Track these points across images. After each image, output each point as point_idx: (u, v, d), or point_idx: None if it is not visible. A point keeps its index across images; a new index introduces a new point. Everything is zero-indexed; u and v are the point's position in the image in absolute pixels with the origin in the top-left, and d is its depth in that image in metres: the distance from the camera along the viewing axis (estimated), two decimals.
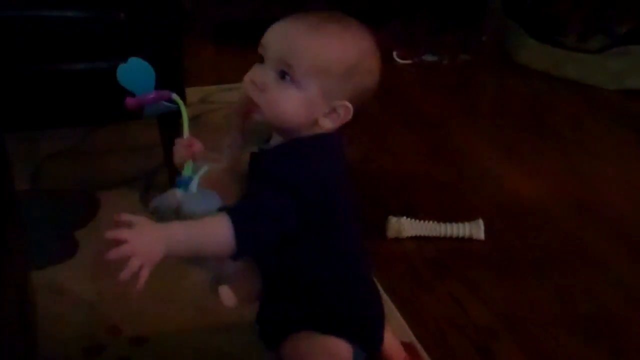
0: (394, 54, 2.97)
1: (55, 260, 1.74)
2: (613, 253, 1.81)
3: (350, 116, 1.09)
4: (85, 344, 1.49)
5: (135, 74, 1.20)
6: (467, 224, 1.83)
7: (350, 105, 1.08)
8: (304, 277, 1.18)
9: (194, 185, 1.15)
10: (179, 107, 1.23)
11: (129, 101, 1.21)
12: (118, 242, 0.96)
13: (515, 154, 2.29)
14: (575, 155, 2.29)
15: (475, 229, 1.82)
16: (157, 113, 1.23)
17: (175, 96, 1.23)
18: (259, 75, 1.07)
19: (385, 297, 1.64)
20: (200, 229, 1.01)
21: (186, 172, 1.17)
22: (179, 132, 1.59)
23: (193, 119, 2.29)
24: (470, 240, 1.82)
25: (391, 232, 1.83)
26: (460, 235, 1.82)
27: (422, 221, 1.85)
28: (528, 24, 2.86)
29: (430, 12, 3.21)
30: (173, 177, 1.96)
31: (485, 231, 1.83)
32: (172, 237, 0.99)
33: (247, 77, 1.09)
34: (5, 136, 1.34)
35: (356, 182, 2.07)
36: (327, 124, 1.09)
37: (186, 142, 1.22)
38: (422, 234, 1.83)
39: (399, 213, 1.88)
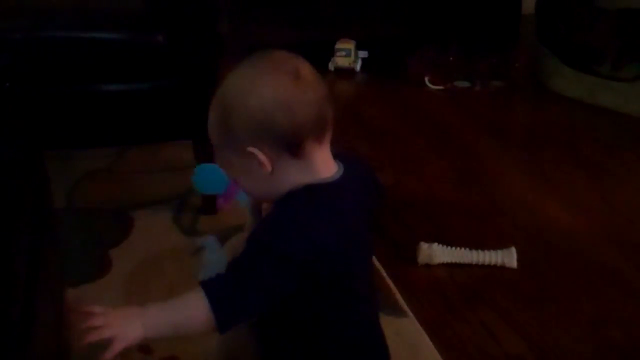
0: (426, 79, 2.98)
1: (89, 278, 1.76)
2: None
3: (262, 157, 0.99)
4: None
5: (208, 178, 1.24)
6: (499, 252, 1.82)
7: (254, 150, 0.99)
8: (307, 336, 1.08)
9: None
10: None
11: (221, 201, 1.25)
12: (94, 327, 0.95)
13: (548, 182, 2.27)
14: (609, 185, 2.27)
15: (508, 257, 1.81)
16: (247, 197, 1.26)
17: None
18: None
19: (415, 324, 1.64)
20: (177, 309, 0.98)
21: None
22: (212, 154, 1.64)
23: None
24: (502, 268, 1.81)
25: (422, 258, 1.82)
26: (493, 262, 1.81)
27: (453, 248, 1.84)
28: (562, 52, 2.85)
29: (463, 38, 3.21)
30: (206, 198, 1.99)
31: (518, 259, 1.81)
32: (149, 318, 0.97)
33: None
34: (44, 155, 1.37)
35: (387, 207, 2.10)
36: (265, 172, 1.00)
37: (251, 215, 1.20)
38: (454, 261, 1.82)
39: (430, 239, 1.87)
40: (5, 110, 1.10)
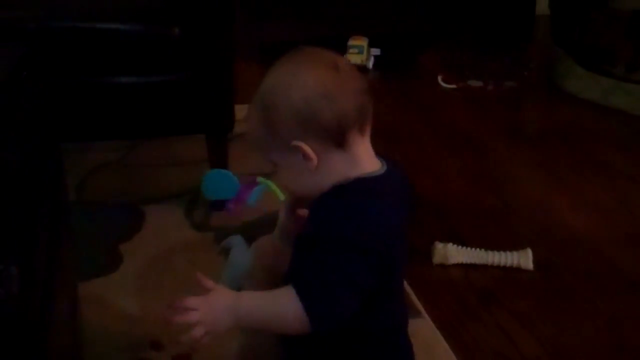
0: (439, 78, 2.96)
1: (99, 272, 1.74)
2: None
3: (308, 150, 0.98)
4: (128, 359, 1.49)
5: (217, 184, 1.25)
6: (515, 253, 1.80)
7: (300, 143, 0.98)
8: (348, 337, 1.05)
9: None
10: (268, 188, 1.24)
11: (231, 210, 1.24)
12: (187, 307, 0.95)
13: (562, 183, 2.25)
14: (624, 186, 2.24)
15: (524, 259, 1.79)
16: (259, 198, 1.24)
17: (260, 179, 1.25)
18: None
19: (430, 325, 1.62)
20: (270, 307, 0.97)
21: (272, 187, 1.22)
22: (225, 148, 1.59)
23: (238, 136, 2.29)
24: (518, 269, 1.79)
25: (437, 259, 1.80)
26: (508, 264, 1.79)
27: (469, 248, 1.82)
28: (576, 53, 2.83)
29: (476, 37, 3.19)
30: None
31: (533, 261, 1.79)
32: (243, 316, 0.96)
33: None
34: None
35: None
36: (311, 166, 1.00)
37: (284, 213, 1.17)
38: (469, 262, 1.80)
39: (444, 239, 1.85)
40: (23, 100, 1.08)
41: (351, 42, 3.07)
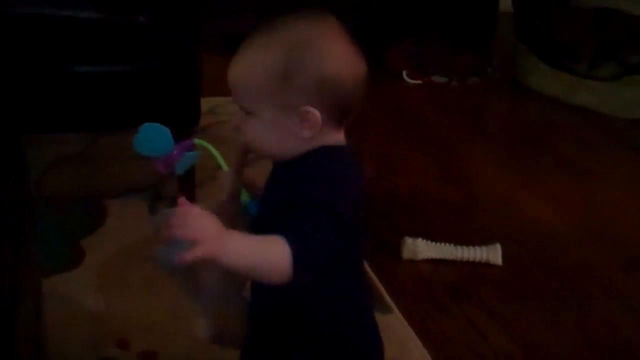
0: (404, 73, 2.95)
1: (61, 268, 1.69)
2: (629, 282, 1.78)
3: (318, 119, 0.96)
4: (93, 358, 1.44)
5: (152, 139, 1.14)
6: (484, 248, 1.79)
7: (310, 108, 0.96)
8: (307, 316, 1.05)
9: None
10: (207, 150, 1.17)
11: (160, 167, 1.15)
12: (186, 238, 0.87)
13: (528, 179, 2.26)
14: (588, 182, 2.26)
15: (493, 254, 1.78)
16: (190, 165, 1.18)
17: (197, 140, 1.17)
18: (234, 118, 1.02)
19: (401, 320, 1.60)
20: (261, 247, 0.93)
21: (245, 197, 1.12)
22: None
23: (204, 130, 2.25)
24: (487, 264, 1.78)
25: (406, 254, 1.79)
26: (478, 259, 1.78)
27: (438, 243, 1.81)
28: (540, 50, 2.84)
29: (441, 33, 3.19)
30: (182, 188, 1.92)
31: (502, 256, 1.79)
32: (235, 242, 0.90)
33: None
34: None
35: (369, 200, 2.06)
36: (308, 133, 0.97)
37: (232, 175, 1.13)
38: (438, 257, 1.79)
39: (413, 234, 1.84)
40: None
41: None
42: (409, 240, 1.80)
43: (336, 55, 0.96)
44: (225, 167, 1.15)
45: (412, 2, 3.28)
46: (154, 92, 1.85)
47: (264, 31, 0.98)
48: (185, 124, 1.96)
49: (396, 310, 1.62)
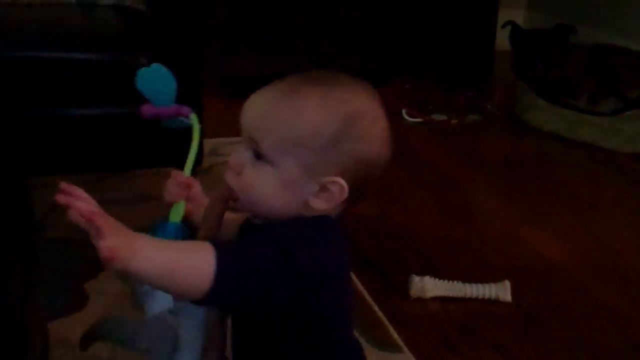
0: (404, 111, 2.95)
1: (64, 312, 1.66)
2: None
3: (346, 193, 0.91)
4: None
5: (156, 82, 1.10)
6: (493, 285, 1.77)
7: (342, 182, 0.91)
8: None
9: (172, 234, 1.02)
10: (192, 126, 1.12)
11: (146, 109, 1.11)
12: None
13: (531, 214, 2.25)
14: (593, 217, 2.25)
15: (502, 291, 1.76)
16: (175, 127, 1.14)
17: (193, 116, 1.13)
18: (235, 155, 0.93)
19: (411, 359, 1.57)
20: (183, 250, 0.86)
21: (174, 216, 1.03)
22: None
23: (204, 171, 2.24)
24: (496, 302, 1.76)
25: (414, 292, 1.77)
26: (487, 296, 1.76)
27: (446, 281, 1.78)
28: (539, 86, 2.85)
29: (439, 71, 3.21)
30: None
31: (511, 293, 1.77)
32: (150, 243, 0.85)
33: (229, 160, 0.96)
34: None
35: (374, 238, 2.04)
36: (320, 205, 0.92)
37: (185, 181, 1.06)
38: (447, 295, 1.77)
39: (420, 272, 1.82)
40: None
41: None
42: (416, 279, 1.78)
43: (380, 135, 0.94)
44: (189, 169, 1.09)
45: (410, 40, 3.31)
46: (155, 135, 1.84)
47: (316, 83, 0.92)
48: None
49: (405, 349, 1.60)
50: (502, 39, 3.22)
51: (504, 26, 3.06)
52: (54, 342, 1.46)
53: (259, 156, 0.91)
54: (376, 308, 1.72)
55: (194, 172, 1.99)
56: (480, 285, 1.77)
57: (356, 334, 1.59)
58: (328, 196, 0.91)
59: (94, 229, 0.82)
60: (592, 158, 2.65)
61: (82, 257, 1.89)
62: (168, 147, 1.88)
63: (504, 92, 3.15)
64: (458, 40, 3.35)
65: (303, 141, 0.90)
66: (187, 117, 1.11)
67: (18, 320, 0.81)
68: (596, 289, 1.86)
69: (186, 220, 1.06)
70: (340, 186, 0.91)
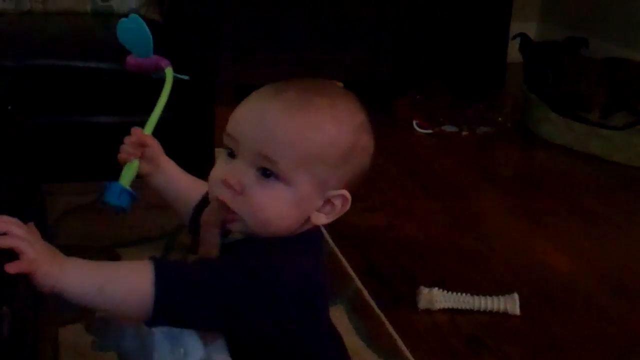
0: (414, 123, 2.96)
1: (74, 318, 1.67)
2: None
3: (348, 206, 0.90)
4: None
5: (134, 32, 1.10)
6: (501, 298, 1.77)
7: (347, 194, 0.89)
8: None
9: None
10: (166, 77, 1.13)
11: (129, 60, 1.13)
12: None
13: (541, 226, 2.24)
14: (604, 231, 2.25)
15: (511, 304, 1.76)
16: (156, 76, 1.15)
17: (168, 70, 1.13)
18: (234, 174, 0.86)
19: None
20: (114, 269, 0.83)
21: (124, 177, 1.00)
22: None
23: None
24: (505, 314, 1.76)
25: (423, 304, 1.77)
26: (495, 309, 1.76)
27: (454, 293, 1.78)
28: (550, 100, 2.86)
29: (450, 83, 3.22)
30: (195, 240, 1.91)
31: (520, 306, 1.77)
32: (76, 263, 0.81)
33: (216, 177, 0.90)
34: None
35: (382, 249, 2.05)
36: (322, 220, 0.90)
37: (141, 139, 1.02)
38: (455, 307, 1.77)
39: (428, 283, 1.82)
40: (7, 137, 1.04)
41: None
42: (425, 290, 1.78)
43: (371, 148, 0.93)
44: (150, 126, 1.07)
45: (421, 51, 3.32)
46: (168, 142, 1.85)
47: (317, 94, 0.90)
48: (199, 174, 1.96)
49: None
50: (514, 51, 3.22)
51: (514, 38, 3.07)
52: (64, 347, 1.47)
53: (266, 174, 0.86)
54: (384, 319, 1.72)
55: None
56: (488, 298, 1.77)
57: (363, 344, 1.61)
58: (330, 210, 0.90)
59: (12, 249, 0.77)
60: (603, 171, 2.64)
61: None
62: (180, 156, 1.90)
63: (515, 105, 3.15)
64: (469, 52, 3.36)
65: (320, 157, 0.86)
66: (164, 68, 1.13)
67: (31, 326, 0.82)
68: (606, 303, 1.86)
69: (144, 180, 1.04)
70: (344, 199, 0.89)
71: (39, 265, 0.77)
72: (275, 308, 0.84)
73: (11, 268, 0.75)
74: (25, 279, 0.78)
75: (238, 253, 0.88)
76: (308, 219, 0.90)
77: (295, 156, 0.85)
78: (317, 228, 0.94)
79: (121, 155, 1.02)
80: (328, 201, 0.89)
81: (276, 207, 0.86)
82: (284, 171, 0.85)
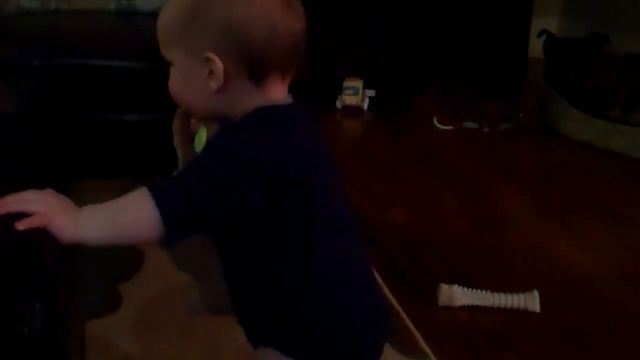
0: (435, 119, 2.96)
1: (100, 313, 1.70)
2: None
3: (220, 68, 0.90)
4: None
5: None
6: (521, 295, 1.78)
7: (214, 57, 0.90)
8: (278, 306, 0.97)
9: None
10: None
11: None
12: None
13: (562, 224, 2.24)
14: (625, 228, 2.24)
15: (531, 301, 1.77)
16: None
17: None
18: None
19: None
20: (117, 208, 0.88)
21: (198, 143, 1.08)
22: None
23: None
24: (525, 312, 1.76)
25: (443, 300, 1.78)
26: (515, 306, 1.77)
27: (475, 290, 1.79)
28: (572, 96, 2.85)
29: (471, 79, 3.21)
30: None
31: (540, 303, 1.77)
32: (86, 213, 0.87)
33: None
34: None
35: (403, 246, 2.06)
36: (213, 85, 0.92)
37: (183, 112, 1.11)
38: (475, 303, 1.78)
39: (449, 280, 1.83)
40: (36, 134, 1.06)
41: (346, 84, 3.08)
42: (445, 287, 1.79)
43: (249, 3, 0.90)
44: None
45: (442, 47, 3.31)
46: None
47: None
48: None
49: (433, 358, 1.61)
50: (535, 47, 3.21)
51: (539, 35, 3.05)
52: (89, 342, 1.50)
53: (169, 63, 0.96)
54: (404, 315, 1.73)
55: None
56: (508, 295, 1.78)
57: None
58: (213, 75, 0.92)
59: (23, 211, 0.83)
60: (624, 168, 2.63)
61: (117, 260, 1.94)
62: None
63: (536, 101, 3.14)
64: (491, 48, 3.35)
65: (173, 29, 0.94)
66: None
67: (61, 321, 0.84)
68: (627, 301, 1.86)
69: None
70: (213, 61, 0.91)
71: (52, 217, 0.83)
72: (252, 173, 0.87)
73: (21, 225, 0.82)
74: (55, 275, 0.81)
75: (208, 143, 0.96)
76: (211, 90, 0.93)
77: (162, 40, 0.95)
78: (295, 105, 0.97)
79: (191, 128, 1.12)
80: (210, 68, 0.92)
81: (177, 88, 0.96)
82: (165, 55, 0.95)
